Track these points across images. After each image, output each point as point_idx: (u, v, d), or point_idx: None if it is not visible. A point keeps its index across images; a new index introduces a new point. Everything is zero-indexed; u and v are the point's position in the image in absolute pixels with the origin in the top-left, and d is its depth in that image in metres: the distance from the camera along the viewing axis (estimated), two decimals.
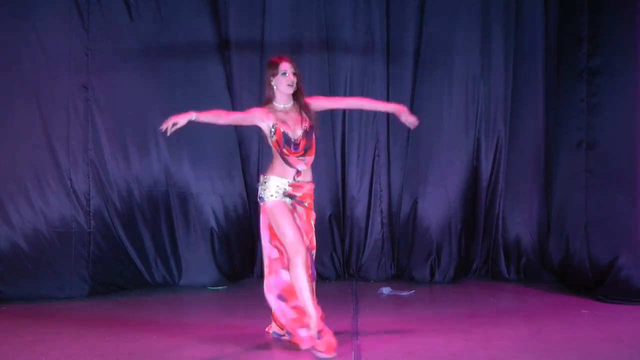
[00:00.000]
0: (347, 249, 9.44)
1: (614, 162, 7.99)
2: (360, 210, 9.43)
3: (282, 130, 5.97)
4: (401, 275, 9.37)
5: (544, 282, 8.97)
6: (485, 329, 6.75)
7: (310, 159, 6.09)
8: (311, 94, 8.98)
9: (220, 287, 8.94)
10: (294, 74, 6.04)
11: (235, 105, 9.15)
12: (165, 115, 8.62)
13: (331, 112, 9.28)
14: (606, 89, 8.06)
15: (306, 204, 6.12)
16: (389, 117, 9.40)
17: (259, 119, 6.04)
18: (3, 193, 8.11)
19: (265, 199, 5.99)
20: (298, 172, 6.02)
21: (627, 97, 7.90)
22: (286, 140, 5.96)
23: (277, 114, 6.05)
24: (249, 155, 9.33)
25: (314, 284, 6.17)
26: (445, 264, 9.21)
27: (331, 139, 9.26)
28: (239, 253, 9.19)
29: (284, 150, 5.95)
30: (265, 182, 6.01)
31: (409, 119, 6.40)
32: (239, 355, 5.94)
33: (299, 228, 6.00)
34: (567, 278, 8.54)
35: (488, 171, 9.38)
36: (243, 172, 9.19)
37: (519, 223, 9.28)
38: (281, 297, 6.14)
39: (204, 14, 9.01)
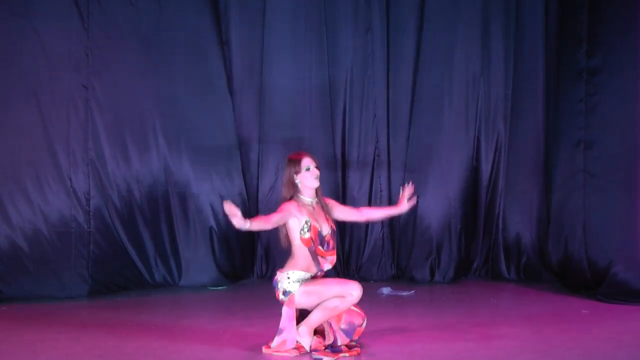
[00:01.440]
0: (347, 249, 9.44)
1: (612, 162, 8.00)
2: None
3: (318, 229, 5.87)
4: (401, 275, 9.38)
5: (544, 281, 8.98)
6: (485, 329, 6.75)
7: (334, 258, 6.00)
8: (311, 97, 9.08)
9: (220, 287, 8.93)
10: (317, 168, 5.93)
11: (235, 106, 9.21)
12: (166, 115, 8.79)
13: (331, 109, 9.34)
14: (605, 89, 8.07)
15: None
16: (389, 116, 9.44)
17: (292, 214, 5.83)
18: (3, 192, 8.10)
19: (293, 290, 5.80)
20: (321, 272, 5.92)
21: (627, 97, 7.90)
22: (321, 240, 5.87)
23: (307, 210, 5.91)
24: (248, 155, 9.33)
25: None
26: (445, 264, 9.21)
27: (331, 138, 9.27)
28: (239, 253, 9.19)
29: (320, 249, 5.86)
30: (289, 277, 5.82)
31: (408, 195, 6.34)
32: (238, 355, 5.93)
33: (335, 280, 5.99)
34: (567, 278, 8.55)
35: (488, 171, 9.40)
36: (243, 172, 9.20)
37: (519, 222, 9.30)
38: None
39: (205, 13, 9.02)
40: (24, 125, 8.22)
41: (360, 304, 7.84)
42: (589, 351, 5.98)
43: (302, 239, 5.82)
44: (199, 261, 8.98)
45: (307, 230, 5.82)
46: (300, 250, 5.87)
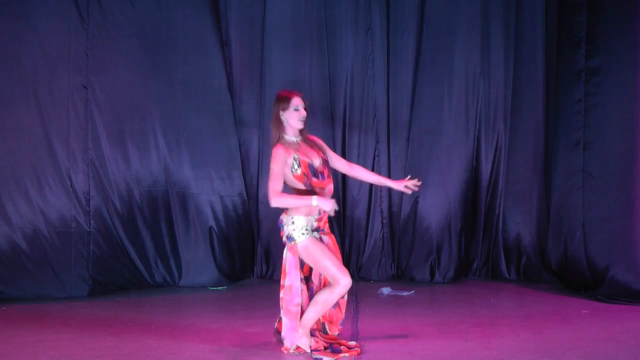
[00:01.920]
0: (347, 249, 9.43)
1: (611, 162, 8.01)
2: (360, 210, 9.44)
3: (307, 162, 5.88)
4: (401, 276, 9.38)
5: (544, 282, 8.99)
6: (485, 329, 6.76)
7: (331, 187, 6.03)
8: (311, 97, 9.08)
9: (220, 288, 8.93)
10: (305, 109, 5.98)
11: (235, 106, 9.21)
12: (165, 116, 8.79)
13: (331, 109, 9.33)
14: (604, 89, 8.07)
15: (326, 230, 6.05)
16: (389, 116, 9.44)
17: (284, 162, 5.85)
18: (3, 193, 8.09)
19: (297, 238, 5.84)
20: (324, 211, 5.88)
21: (625, 98, 7.91)
22: (313, 171, 5.87)
23: (292, 147, 5.94)
24: (248, 156, 9.32)
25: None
26: (445, 264, 9.21)
27: (331, 139, 9.23)
28: (239, 253, 9.18)
29: (314, 180, 5.87)
30: (292, 222, 5.85)
31: (409, 184, 6.23)
32: (238, 356, 5.93)
33: (337, 259, 5.92)
34: (566, 278, 8.55)
35: (488, 171, 9.40)
36: (243, 172, 9.19)
37: (519, 223, 9.30)
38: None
39: (205, 14, 9.01)
40: (23, 126, 8.21)
41: (360, 304, 7.88)
42: (589, 351, 5.98)
43: (295, 177, 5.85)
44: (198, 261, 8.98)
45: (298, 166, 5.85)
46: (298, 190, 5.91)
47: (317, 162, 5.93)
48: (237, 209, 9.10)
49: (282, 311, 5.97)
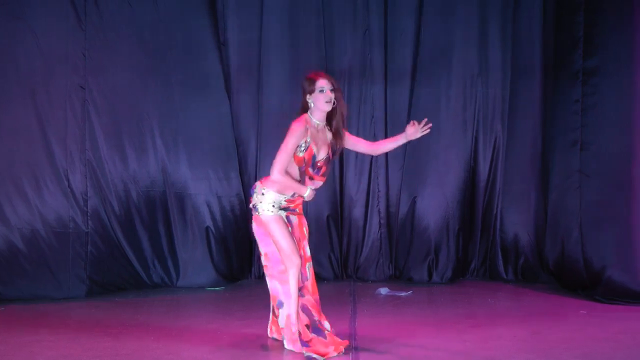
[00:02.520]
0: (345, 250, 9.44)
1: (607, 162, 8.01)
2: (358, 210, 9.43)
3: (313, 151, 5.86)
4: (399, 276, 9.37)
5: (542, 282, 8.99)
6: (483, 329, 6.76)
7: (320, 184, 6.03)
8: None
9: (217, 288, 8.92)
10: (332, 90, 5.87)
11: (233, 107, 9.20)
12: (163, 116, 8.79)
13: None
14: (601, 89, 8.07)
15: (297, 210, 6.09)
16: (387, 117, 9.44)
17: (300, 139, 5.80)
18: (0, 193, 8.08)
19: (260, 212, 5.90)
20: (300, 195, 5.91)
21: (622, 98, 7.91)
22: (313, 162, 5.87)
23: (311, 130, 5.89)
24: (246, 156, 9.32)
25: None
26: (443, 265, 9.21)
27: None
28: (237, 254, 9.18)
29: (309, 170, 5.88)
30: (262, 194, 5.89)
31: (413, 128, 6.23)
32: (236, 356, 5.93)
33: (294, 241, 5.95)
34: (564, 278, 8.56)
35: (486, 171, 9.39)
36: (240, 172, 9.19)
37: (517, 223, 9.29)
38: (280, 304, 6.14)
39: (202, 14, 8.99)
40: (21, 126, 8.19)
41: (358, 304, 7.88)
42: (587, 351, 5.99)
43: (295, 156, 5.83)
44: (196, 262, 8.97)
45: (304, 150, 5.83)
46: (288, 167, 5.89)
47: (322, 155, 5.91)
48: (234, 210, 9.09)
49: (268, 281, 6.13)
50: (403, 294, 8.51)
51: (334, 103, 5.90)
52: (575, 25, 8.30)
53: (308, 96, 5.88)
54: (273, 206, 5.86)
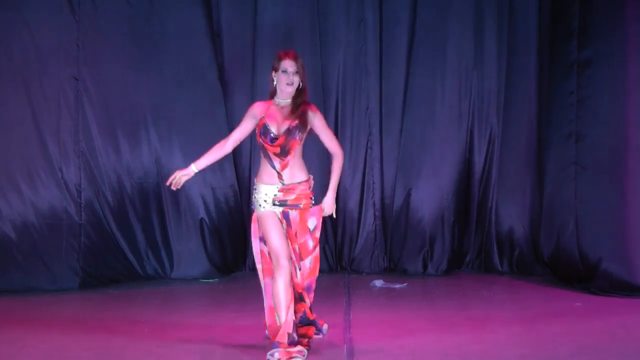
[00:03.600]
0: (339, 242, 9.44)
1: (602, 154, 8.00)
2: (353, 202, 9.43)
3: (264, 122, 5.80)
4: (394, 268, 9.37)
5: (537, 274, 8.99)
6: (478, 322, 6.76)
7: (287, 160, 5.80)
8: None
9: (211, 280, 8.91)
10: (296, 72, 5.81)
11: (227, 98, 9.17)
12: (157, 107, 8.77)
13: (323, 102, 9.25)
14: (596, 81, 8.05)
15: (301, 206, 5.85)
16: (382, 109, 9.42)
17: (253, 115, 5.84)
18: None
19: (255, 209, 5.87)
20: (279, 174, 5.80)
21: (617, 90, 7.90)
22: (264, 131, 5.78)
23: (271, 109, 5.87)
24: (240, 147, 9.13)
25: (311, 295, 6.11)
26: (438, 257, 9.21)
27: None
28: (231, 245, 9.16)
29: (260, 140, 5.80)
30: (255, 190, 5.88)
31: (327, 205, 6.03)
32: (231, 348, 5.91)
33: (285, 241, 5.79)
34: (559, 271, 8.55)
35: (481, 164, 9.38)
36: (235, 164, 9.17)
37: (512, 215, 9.29)
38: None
39: (196, 4, 8.95)
40: (14, 118, 8.18)
41: (352, 296, 7.87)
42: (582, 344, 5.99)
43: (257, 137, 5.87)
44: (190, 253, 8.96)
45: (257, 124, 5.86)
46: (262, 157, 5.89)
47: (280, 128, 5.78)
48: (228, 201, 9.07)
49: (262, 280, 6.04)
50: (398, 286, 8.51)
51: (299, 86, 5.87)
52: (571, 16, 8.28)
53: (274, 73, 5.88)
54: (265, 201, 5.80)
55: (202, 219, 9.00)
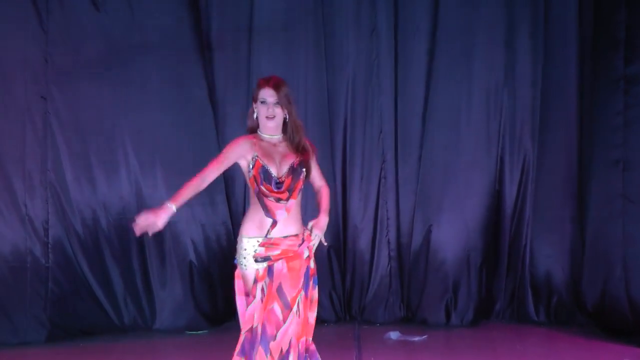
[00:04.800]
0: (348, 287, 9.42)
1: None
2: (364, 241, 9.43)
3: (261, 164, 5.52)
4: (412, 318, 9.36)
5: (578, 325, 8.97)
6: None
7: (292, 203, 5.55)
8: (306, 109, 8.99)
9: (200, 332, 8.91)
10: (277, 104, 5.57)
11: (218, 120, 9.21)
12: (138, 131, 8.76)
13: (330, 123, 9.32)
14: None
15: (291, 253, 5.53)
16: (397, 131, 9.43)
17: (240, 154, 5.56)
18: None
19: (238, 265, 5.58)
20: (273, 224, 5.49)
21: None
22: (266, 176, 5.51)
23: (262, 145, 5.62)
24: (234, 178, 9.28)
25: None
26: (464, 305, 9.21)
27: (329, 156, 9.27)
28: (223, 291, 9.12)
29: (262, 188, 5.49)
30: (239, 243, 5.58)
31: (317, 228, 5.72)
32: None
33: (257, 307, 5.45)
34: (604, 321, 8.54)
35: (513, 195, 9.37)
36: (227, 197, 9.20)
37: (550, 256, 9.28)
38: None
39: (182, 13, 9.02)
40: None
41: (364, 351, 7.83)
42: None
43: (249, 181, 5.58)
44: (175, 301, 8.97)
45: (251, 168, 5.56)
46: (252, 203, 5.62)
47: (284, 168, 5.57)
48: (220, 240, 9.07)
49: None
50: (417, 339, 8.51)
51: (286, 118, 5.63)
52: (616, 25, 8.34)
53: (254, 104, 5.68)
54: (245, 257, 5.48)
55: (190, 261, 9.01)
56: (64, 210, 8.56)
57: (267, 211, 5.45)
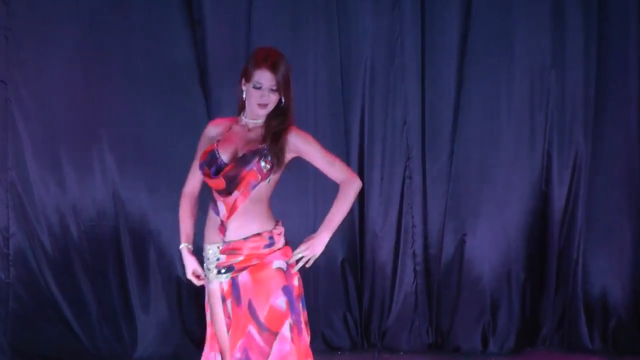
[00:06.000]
0: (366, 307, 9.32)
1: None
2: (385, 253, 9.29)
3: (213, 148, 5.33)
4: (442, 344, 9.28)
5: None
6: None
7: (234, 202, 5.29)
8: (316, 97, 8.89)
9: None
10: (274, 90, 5.32)
11: (211, 109, 9.07)
12: (116, 123, 8.71)
13: (344, 113, 9.20)
14: None
15: (255, 261, 5.29)
16: (424, 123, 9.30)
17: (206, 142, 5.44)
18: None
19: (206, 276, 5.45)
20: (222, 225, 5.29)
21: None
22: (209, 161, 5.32)
23: (233, 130, 5.44)
24: None
25: None
26: (504, 329, 9.13)
27: (345, 153, 9.11)
28: None
29: (206, 172, 5.32)
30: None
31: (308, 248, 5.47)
32: None
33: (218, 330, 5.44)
34: None
35: (562, 199, 9.25)
36: None
37: (606, 271, 9.17)
38: None
39: None
40: None
41: None
42: None
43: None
44: (160, 324, 8.90)
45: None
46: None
47: (231, 155, 5.33)
48: None
49: None
50: None
51: (280, 103, 5.38)
52: None
53: (243, 81, 5.37)
54: (209, 269, 5.33)
55: (177, 276, 8.88)
56: (27, 215, 8.54)
57: (215, 205, 5.32)
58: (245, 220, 5.23)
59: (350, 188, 5.45)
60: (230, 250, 5.20)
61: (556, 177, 9.22)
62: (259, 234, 5.25)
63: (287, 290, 5.26)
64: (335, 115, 9.19)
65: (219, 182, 5.20)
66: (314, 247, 5.29)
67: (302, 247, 5.29)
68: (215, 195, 5.29)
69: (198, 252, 5.33)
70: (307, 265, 5.36)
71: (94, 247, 8.78)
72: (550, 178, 9.23)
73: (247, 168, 5.19)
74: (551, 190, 9.23)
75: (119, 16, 8.80)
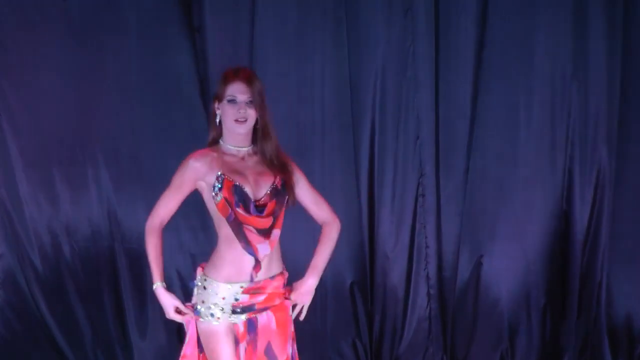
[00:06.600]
0: (377, 333, 9.34)
1: None
2: (396, 275, 9.32)
3: (233, 182, 5.32)
4: None
5: None
6: None
7: (277, 235, 5.38)
8: (323, 109, 8.95)
9: None
10: (250, 103, 5.37)
11: (212, 122, 9.02)
12: (111, 137, 8.76)
13: (353, 127, 9.21)
14: None
15: (276, 301, 5.47)
16: (438, 137, 9.32)
17: (194, 178, 5.49)
18: None
19: (202, 317, 5.43)
20: (258, 264, 5.31)
21: None
22: (241, 197, 5.30)
23: (225, 160, 5.45)
24: None
25: None
26: (523, 355, 9.16)
27: (353, 167, 9.19)
28: None
29: (239, 212, 5.29)
30: (204, 288, 5.45)
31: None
32: None
33: None
34: None
35: (585, 218, 9.26)
36: None
37: (632, 295, 9.21)
38: None
39: None
40: None
41: None
42: None
43: (217, 207, 5.40)
44: (158, 351, 8.95)
45: (219, 190, 5.37)
46: (223, 231, 5.46)
47: (263, 189, 5.41)
48: None
49: None
50: None
51: (257, 123, 5.46)
52: None
53: (216, 104, 5.51)
54: (221, 308, 5.36)
55: None
56: (17, 235, 8.59)
57: (248, 245, 5.25)
58: (272, 258, 5.34)
59: (334, 231, 5.55)
60: (254, 289, 5.26)
61: (578, 195, 9.22)
62: (281, 273, 5.36)
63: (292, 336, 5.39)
64: (343, 128, 9.21)
65: (266, 221, 5.25)
66: (302, 297, 5.36)
67: (299, 299, 5.37)
68: (254, 234, 5.26)
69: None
70: (301, 318, 5.43)
71: (88, 269, 8.82)
72: (572, 196, 9.23)
73: (283, 202, 5.36)
74: (573, 209, 9.23)
75: (115, 21, 8.85)
